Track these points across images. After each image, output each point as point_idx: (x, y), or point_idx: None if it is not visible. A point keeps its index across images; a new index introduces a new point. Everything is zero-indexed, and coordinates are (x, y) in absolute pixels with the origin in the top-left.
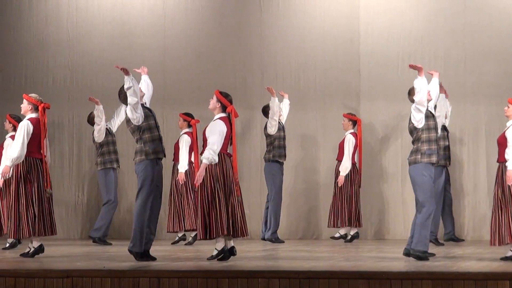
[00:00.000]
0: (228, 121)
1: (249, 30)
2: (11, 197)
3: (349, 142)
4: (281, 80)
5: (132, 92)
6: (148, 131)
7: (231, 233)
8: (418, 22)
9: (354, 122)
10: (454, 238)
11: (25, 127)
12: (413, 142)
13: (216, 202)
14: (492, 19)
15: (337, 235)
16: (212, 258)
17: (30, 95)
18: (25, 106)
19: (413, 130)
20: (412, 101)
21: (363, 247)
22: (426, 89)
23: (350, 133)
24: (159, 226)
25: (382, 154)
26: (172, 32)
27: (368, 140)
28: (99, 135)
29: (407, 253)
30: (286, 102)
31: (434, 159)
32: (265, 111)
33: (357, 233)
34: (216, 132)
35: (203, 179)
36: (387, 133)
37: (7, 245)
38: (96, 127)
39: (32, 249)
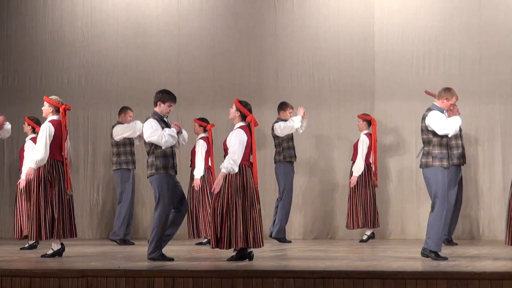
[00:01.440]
0: (248, 130)
1: (264, 30)
2: (32, 199)
3: (363, 143)
4: (295, 79)
5: (171, 142)
6: (161, 147)
7: (251, 245)
8: (433, 21)
9: (369, 122)
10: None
11: (47, 129)
12: (424, 143)
13: (231, 214)
14: (508, 17)
15: (364, 237)
16: (232, 259)
17: (50, 97)
18: (46, 108)
19: (424, 129)
20: (439, 97)
21: (378, 247)
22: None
23: (365, 133)
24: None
25: (397, 154)
26: (186, 31)
27: (382, 140)
28: (121, 134)
29: (423, 253)
30: (304, 123)
31: (445, 163)
32: (281, 107)
33: (372, 233)
34: (236, 141)
35: (221, 189)
36: (401, 132)
37: (26, 245)
38: (123, 127)
39: (51, 251)
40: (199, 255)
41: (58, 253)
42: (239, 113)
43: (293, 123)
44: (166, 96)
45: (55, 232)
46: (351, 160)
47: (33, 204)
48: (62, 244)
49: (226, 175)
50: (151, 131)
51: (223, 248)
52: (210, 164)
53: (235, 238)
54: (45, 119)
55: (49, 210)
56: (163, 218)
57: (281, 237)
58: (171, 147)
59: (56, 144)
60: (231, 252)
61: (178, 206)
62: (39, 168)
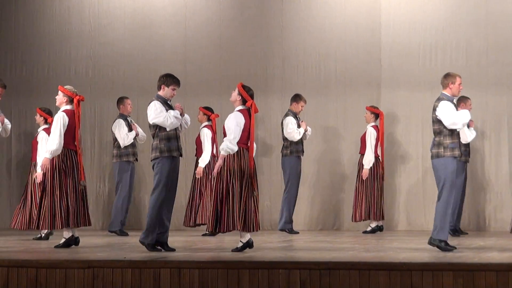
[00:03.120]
0: (248, 114)
1: (270, 21)
2: (46, 189)
3: (371, 135)
4: (302, 70)
5: (176, 124)
6: (165, 129)
7: (243, 228)
8: (440, 12)
9: (377, 115)
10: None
11: (61, 119)
12: (434, 134)
13: (230, 197)
14: None
15: (368, 229)
16: (236, 250)
17: (65, 87)
18: (60, 98)
19: (435, 120)
20: (444, 85)
21: (384, 238)
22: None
23: (372, 126)
24: (181, 218)
25: (403, 145)
26: (193, 22)
27: (389, 131)
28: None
29: (430, 242)
30: (308, 133)
31: (457, 152)
32: (294, 99)
33: (377, 226)
34: (234, 122)
35: (221, 173)
36: (408, 123)
37: (42, 235)
38: (127, 135)
39: (63, 240)
40: (204, 246)
41: (71, 240)
42: (240, 97)
43: (295, 136)
44: (170, 79)
45: (70, 221)
46: (360, 153)
47: (48, 193)
48: (76, 238)
49: (225, 158)
50: (156, 113)
51: (223, 231)
52: (215, 152)
53: (232, 221)
54: (58, 108)
55: (64, 199)
56: (158, 201)
57: (287, 229)
58: (175, 129)
59: (70, 134)
60: (235, 243)
61: (167, 197)
62: (53, 157)
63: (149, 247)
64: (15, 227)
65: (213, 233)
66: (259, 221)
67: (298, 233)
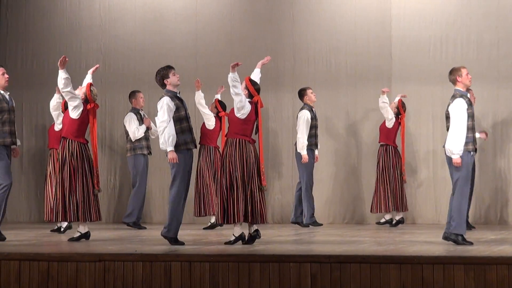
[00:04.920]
0: (254, 108)
1: (281, 15)
2: (56, 181)
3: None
4: (312, 64)
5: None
6: (178, 123)
7: (250, 220)
8: (451, 5)
9: (398, 111)
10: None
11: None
12: (448, 129)
13: (234, 189)
14: None
15: (382, 220)
16: (229, 243)
17: (93, 87)
18: (81, 92)
19: (448, 117)
20: (452, 81)
21: (395, 232)
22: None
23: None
24: (191, 211)
25: (414, 139)
26: (203, 16)
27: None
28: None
29: (446, 237)
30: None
31: (471, 147)
32: (301, 93)
33: (402, 218)
34: (244, 98)
35: (224, 164)
36: (418, 117)
37: (61, 227)
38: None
39: (78, 234)
40: (215, 239)
41: (86, 236)
42: (247, 91)
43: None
44: (164, 71)
45: (81, 215)
46: (379, 142)
47: (58, 186)
48: (88, 232)
49: (226, 151)
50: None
51: (231, 222)
52: (218, 144)
53: (237, 213)
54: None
55: (73, 192)
56: (178, 195)
57: (311, 223)
58: (188, 122)
59: (81, 127)
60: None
61: None
62: (63, 149)
63: (172, 241)
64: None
65: (214, 226)
66: (266, 214)
67: (321, 224)
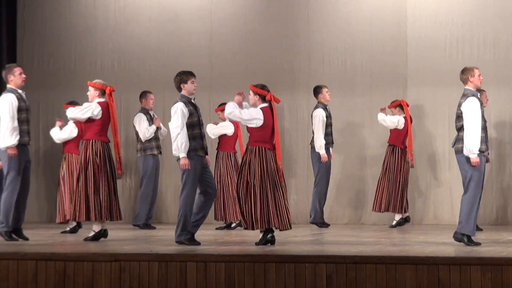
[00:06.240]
0: (270, 110)
1: (296, 14)
2: (80, 181)
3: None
4: (327, 64)
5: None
6: (190, 129)
7: (276, 226)
8: (467, 5)
9: (401, 106)
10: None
11: (92, 108)
12: (458, 130)
13: (250, 196)
14: None
15: (394, 223)
16: (259, 243)
17: (94, 81)
18: (91, 93)
19: (460, 115)
20: (463, 80)
21: (411, 232)
22: None
23: (403, 116)
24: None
25: (430, 139)
26: (218, 16)
27: (415, 125)
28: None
29: (455, 237)
30: None
31: (483, 147)
32: (316, 91)
33: (402, 219)
34: (249, 112)
35: (242, 171)
36: (434, 117)
37: (67, 229)
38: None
39: (93, 233)
40: (230, 239)
41: (100, 234)
42: (258, 96)
43: (319, 142)
44: (184, 76)
45: (103, 214)
46: (388, 142)
47: (82, 186)
48: (105, 230)
49: (246, 159)
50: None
51: (255, 228)
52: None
53: (255, 220)
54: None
55: (97, 192)
56: (188, 200)
57: (318, 222)
58: (200, 128)
59: (103, 126)
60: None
61: (206, 190)
62: (86, 149)
63: (187, 242)
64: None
65: (228, 227)
66: (290, 220)
67: (328, 225)
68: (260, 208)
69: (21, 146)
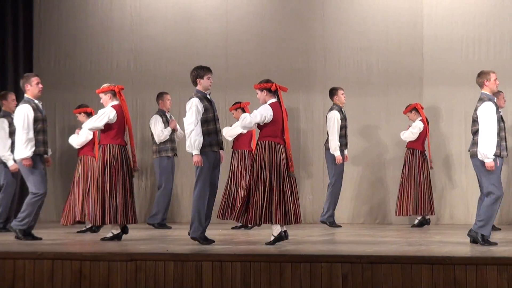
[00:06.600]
0: (279, 106)
1: (312, 14)
2: (96, 184)
3: (416, 128)
4: (343, 64)
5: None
6: (205, 124)
7: (284, 221)
8: (483, 5)
9: (416, 109)
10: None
11: (107, 114)
12: (473, 134)
13: (261, 190)
14: None
15: (416, 222)
16: (270, 243)
17: (102, 86)
18: (104, 98)
19: (476, 119)
20: (479, 84)
21: (427, 232)
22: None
23: (420, 120)
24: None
25: (446, 139)
26: (234, 16)
27: (431, 125)
28: (159, 138)
29: (470, 234)
30: None
31: (498, 151)
32: (332, 93)
33: (423, 218)
34: (257, 112)
35: (253, 166)
36: (451, 118)
37: (83, 228)
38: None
39: (111, 234)
40: (246, 239)
41: (117, 236)
42: (265, 92)
43: (334, 144)
44: (201, 70)
45: (119, 218)
46: (406, 147)
47: (98, 189)
48: (125, 227)
49: (257, 154)
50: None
51: (251, 224)
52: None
53: (265, 215)
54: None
55: (113, 195)
56: (201, 195)
57: (330, 222)
58: (215, 124)
59: (119, 129)
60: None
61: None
62: (103, 153)
63: (202, 240)
64: (66, 224)
65: (244, 226)
66: (300, 214)
67: (340, 226)
68: (268, 202)
69: (37, 156)
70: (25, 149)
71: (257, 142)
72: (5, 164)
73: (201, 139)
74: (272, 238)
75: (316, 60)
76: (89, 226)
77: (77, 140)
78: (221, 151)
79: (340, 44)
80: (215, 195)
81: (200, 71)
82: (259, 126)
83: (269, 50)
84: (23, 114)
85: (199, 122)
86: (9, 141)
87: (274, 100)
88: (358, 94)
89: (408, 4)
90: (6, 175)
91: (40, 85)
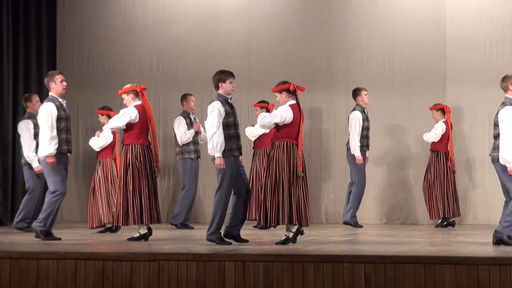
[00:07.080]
0: (297, 107)
1: (334, 14)
2: (120, 185)
3: (439, 129)
4: (365, 64)
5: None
6: (226, 129)
7: (294, 222)
8: (506, 5)
9: (443, 110)
10: None
11: (129, 113)
12: (494, 137)
13: (279, 191)
14: None
15: (440, 222)
16: (280, 243)
17: (124, 87)
18: (126, 99)
19: (497, 123)
20: (504, 88)
21: (449, 233)
22: None
23: (443, 121)
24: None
25: (469, 140)
26: (257, 16)
27: (454, 126)
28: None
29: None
30: None
31: None
32: (355, 93)
33: (449, 219)
34: (277, 112)
35: (270, 166)
36: (473, 118)
37: (103, 228)
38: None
39: (138, 235)
40: (269, 239)
41: (144, 237)
42: (284, 93)
43: (354, 145)
44: (223, 75)
45: (145, 218)
46: (430, 150)
47: (122, 189)
48: (149, 228)
49: (273, 154)
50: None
51: (272, 225)
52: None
53: (282, 215)
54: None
55: (137, 196)
56: (223, 199)
57: (352, 222)
58: (236, 128)
59: (142, 129)
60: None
61: (240, 191)
62: (126, 153)
63: (218, 241)
64: (93, 227)
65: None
66: (308, 216)
67: (362, 226)
68: (288, 203)
69: (60, 154)
70: (48, 146)
71: (273, 143)
72: (30, 166)
73: (223, 141)
74: (285, 237)
75: (339, 60)
76: (108, 226)
77: (97, 143)
78: (240, 157)
79: (363, 44)
80: (250, 196)
81: (223, 75)
82: (276, 126)
83: (292, 50)
84: (47, 112)
85: (221, 125)
86: (34, 143)
87: (293, 101)
88: (381, 94)
89: (431, 4)
90: (32, 177)
91: (65, 83)
